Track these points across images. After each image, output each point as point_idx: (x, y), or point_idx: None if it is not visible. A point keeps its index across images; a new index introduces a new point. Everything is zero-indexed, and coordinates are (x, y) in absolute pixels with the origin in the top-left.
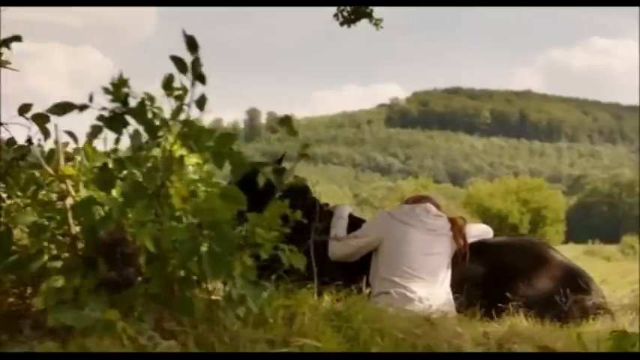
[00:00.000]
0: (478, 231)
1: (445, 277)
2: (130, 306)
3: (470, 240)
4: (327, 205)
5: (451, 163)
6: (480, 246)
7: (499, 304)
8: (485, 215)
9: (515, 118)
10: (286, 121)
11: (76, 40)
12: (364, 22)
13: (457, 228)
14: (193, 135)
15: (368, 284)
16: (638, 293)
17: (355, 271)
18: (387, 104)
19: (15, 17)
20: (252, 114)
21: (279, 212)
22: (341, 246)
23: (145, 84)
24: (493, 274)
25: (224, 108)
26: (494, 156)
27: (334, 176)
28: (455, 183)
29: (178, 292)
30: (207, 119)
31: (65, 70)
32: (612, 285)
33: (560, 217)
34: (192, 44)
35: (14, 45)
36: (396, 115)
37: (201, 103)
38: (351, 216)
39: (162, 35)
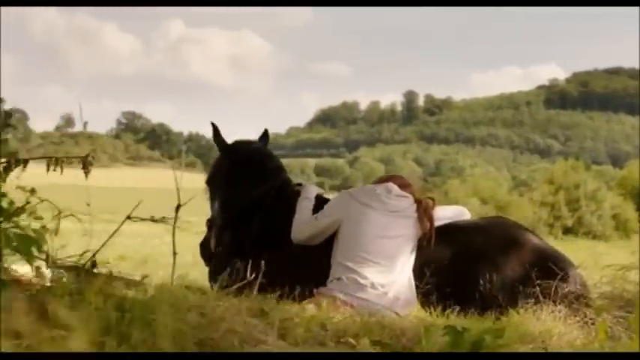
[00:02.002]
0: (450, 212)
1: (406, 262)
2: None
3: (440, 222)
4: (299, 185)
5: (612, 145)
6: (448, 228)
7: (464, 290)
8: None
9: None
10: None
11: (236, 25)
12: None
13: (422, 209)
14: None
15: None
16: None
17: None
18: (546, 85)
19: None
20: (410, 96)
21: None
22: (301, 228)
23: (306, 67)
24: (458, 257)
25: (384, 90)
26: None
27: (492, 158)
28: (615, 165)
29: None
30: (364, 102)
31: (225, 54)
32: None
33: None
34: None
35: (175, 31)
36: (555, 97)
37: None
38: (320, 197)
39: (321, 19)
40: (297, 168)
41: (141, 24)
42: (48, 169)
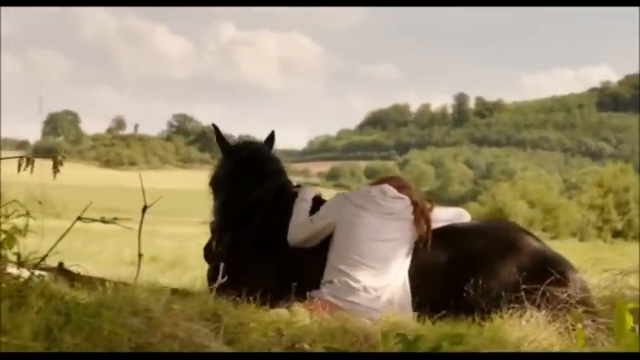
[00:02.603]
0: (448, 215)
1: (401, 265)
2: None
3: (439, 224)
4: (298, 186)
5: None
6: (445, 231)
7: (461, 295)
8: None
9: None
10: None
11: (285, 27)
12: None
13: (419, 211)
14: None
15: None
16: None
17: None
18: (599, 88)
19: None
20: (461, 99)
21: None
22: (297, 230)
23: (356, 68)
24: (455, 261)
25: (435, 92)
26: None
27: (544, 161)
28: None
29: None
30: (415, 105)
31: (275, 56)
32: None
33: None
34: None
35: (226, 33)
36: (608, 99)
37: None
38: (318, 199)
39: (372, 20)
40: (348, 170)
41: (192, 26)
42: (19, 170)
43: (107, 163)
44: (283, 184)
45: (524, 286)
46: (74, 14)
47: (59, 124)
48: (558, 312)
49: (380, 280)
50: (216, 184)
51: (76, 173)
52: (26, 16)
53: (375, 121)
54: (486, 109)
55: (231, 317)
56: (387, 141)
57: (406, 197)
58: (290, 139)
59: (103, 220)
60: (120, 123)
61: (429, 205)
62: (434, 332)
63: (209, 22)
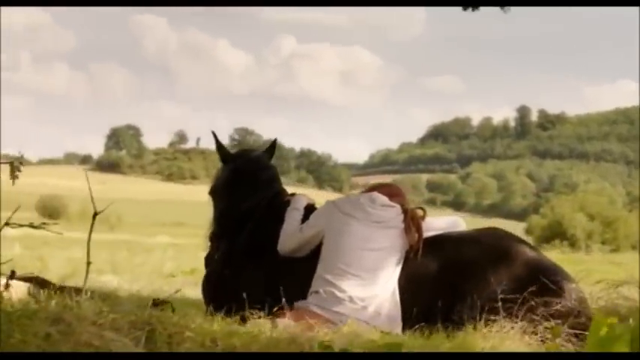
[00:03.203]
0: (442, 223)
1: (390, 275)
2: None
3: (431, 233)
4: (293, 195)
5: None
6: (437, 239)
7: (451, 304)
8: None
9: None
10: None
11: (345, 40)
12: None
13: (409, 219)
14: None
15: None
16: None
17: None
18: None
19: (285, 18)
20: (523, 111)
21: None
22: (286, 239)
23: (417, 81)
24: (446, 270)
25: (497, 105)
26: None
27: (607, 174)
28: None
29: None
30: (477, 118)
31: (336, 69)
32: None
33: None
34: None
35: (286, 47)
36: None
37: None
38: (311, 208)
39: (432, 32)
40: (409, 184)
41: (253, 40)
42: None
43: (169, 177)
44: (277, 192)
45: (505, 296)
46: (136, 28)
47: (121, 138)
48: (551, 322)
49: (367, 291)
50: (214, 193)
51: (138, 187)
52: (88, 31)
53: (437, 134)
54: (549, 122)
55: (165, 326)
56: (448, 154)
57: (397, 205)
58: (351, 153)
59: (32, 226)
60: (182, 137)
61: (421, 214)
62: (383, 341)
63: (270, 35)
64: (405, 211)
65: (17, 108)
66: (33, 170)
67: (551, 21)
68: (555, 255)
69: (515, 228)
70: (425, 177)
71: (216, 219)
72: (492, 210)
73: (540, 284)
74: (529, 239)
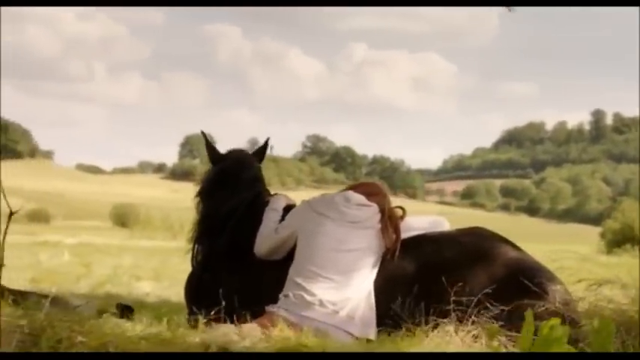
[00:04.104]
0: (423, 223)
1: (365, 277)
2: None
3: (411, 233)
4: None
5: None
6: (416, 240)
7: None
8: None
9: None
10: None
11: (419, 47)
12: None
13: (386, 219)
14: None
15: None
16: None
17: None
18: None
19: (356, 26)
20: (598, 115)
21: None
22: (262, 241)
23: (491, 86)
24: (423, 271)
25: (571, 109)
26: None
27: None
28: None
29: None
30: (551, 122)
31: (409, 76)
32: None
33: None
34: None
35: (358, 54)
36: None
37: None
38: (289, 208)
39: (504, 38)
40: (483, 189)
41: (324, 47)
42: None
43: None
44: (258, 192)
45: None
46: (209, 37)
47: (195, 146)
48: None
49: (339, 294)
50: (200, 194)
51: None
52: (162, 41)
53: (511, 138)
54: (624, 125)
55: (56, 330)
56: (522, 159)
57: (373, 205)
58: (424, 159)
59: None
60: (254, 144)
61: (399, 213)
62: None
63: (341, 42)
64: (382, 211)
65: (91, 118)
66: (107, 179)
67: (625, 24)
68: (626, 259)
69: (591, 233)
70: (499, 182)
71: (200, 221)
72: (567, 215)
73: (521, 285)
74: (602, 244)
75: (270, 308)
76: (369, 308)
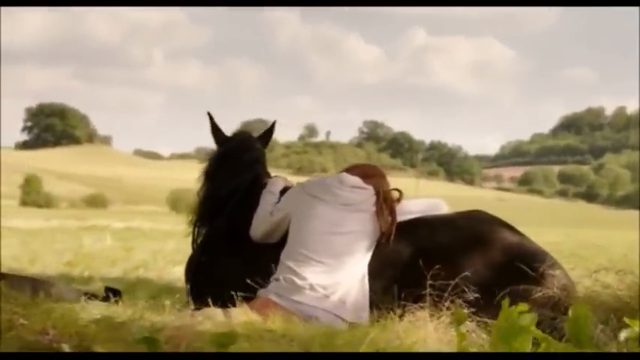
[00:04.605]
0: (421, 206)
1: (359, 261)
2: None
3: (407, 217)
4: (276, 177)
5: None
6: (411, 223)
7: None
8: None
9: None
10: None
11: (479, 32)
12: None
13: (381, 202)
14: None
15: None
16: None
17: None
18: None
19: (415, 12)
20: None
21: None
22: (258, 223)
23: (550, 72)
24: (417, 255)
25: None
26: None
27: None
28: None
29: None
30: (610, 108)
31: (468, 61)
32: None
33: None
34: None
35: (417, 40)
36: None
37: None
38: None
39: (564, 24)
40: (541, 175)
41: (384, 33)
42: None
43: (299, 171)
44: (258, 174)
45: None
46: (268, 23)
47: (253, 132)
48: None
49: (331, 278)
50: (202, 177)
51: None
52: (222, 27)
53: (569, 124)
54: None
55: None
56: (581, 145)
57: (369, 187)
58: (482, 145)
59: None
60: (312, 130)
61: (396, 196)
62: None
63: (401, 29)
64: (377, 193)
65: (150, 104)
66: (165, 164)
67: None
68: None
69: None
70: (557, 168)
71: (200, 203)
72: (626, 201)
73: (519, 271)
74: None
75: (262, 292)
76: (363, 293)
